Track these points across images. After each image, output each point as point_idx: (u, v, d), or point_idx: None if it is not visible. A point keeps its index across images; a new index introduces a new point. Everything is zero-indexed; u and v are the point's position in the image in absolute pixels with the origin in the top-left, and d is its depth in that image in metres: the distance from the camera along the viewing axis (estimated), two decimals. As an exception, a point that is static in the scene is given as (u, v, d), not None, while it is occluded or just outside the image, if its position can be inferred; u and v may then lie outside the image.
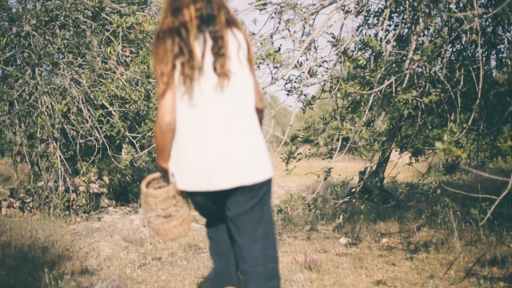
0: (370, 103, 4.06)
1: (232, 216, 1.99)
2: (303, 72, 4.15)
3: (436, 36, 4.04)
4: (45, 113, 6.27)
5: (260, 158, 1.94)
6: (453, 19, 4.23)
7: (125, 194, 8.24)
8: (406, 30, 4.62)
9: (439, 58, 4.27)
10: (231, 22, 1.96)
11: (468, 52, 4.58)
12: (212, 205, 2.05)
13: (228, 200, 1.97)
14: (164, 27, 1.91)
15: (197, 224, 6.52)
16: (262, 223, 1.98)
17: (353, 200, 7.75)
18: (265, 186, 1.97)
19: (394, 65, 3.95)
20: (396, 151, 5.53)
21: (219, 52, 1.89)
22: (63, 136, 6.60)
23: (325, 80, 4.68)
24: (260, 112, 2.07)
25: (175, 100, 1.91)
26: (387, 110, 4.10)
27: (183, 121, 1.91)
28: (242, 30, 2.00)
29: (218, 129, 1.90)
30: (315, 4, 4.07)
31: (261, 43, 3.36)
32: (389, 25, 4.87)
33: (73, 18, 6.47)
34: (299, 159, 4.88)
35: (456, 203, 4.60)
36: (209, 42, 1.90)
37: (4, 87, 6.56)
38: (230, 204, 1.97)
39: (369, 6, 4.33)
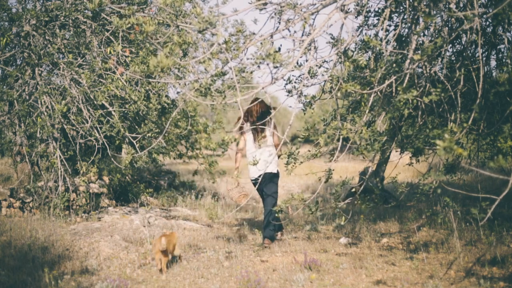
0: (370, 103, 4.05)
1: (265, 185, 5.44)
2: (303, 73, 4.15)
3: (436, 36, 4.04)
4: (45, 113, 6.27)
5: (273, 166, 5.40)
6: (453, 19, 4.23)
7: (125, 194, 8.24)
8: (406, 30, 4.62)
9: (439, 58, 4.27)
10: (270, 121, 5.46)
11: (468, 52, 4.58)
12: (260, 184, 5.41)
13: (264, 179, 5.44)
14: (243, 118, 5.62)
15: (197, 224, 6.52)
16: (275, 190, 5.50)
17: (354, 200, 7.75)
18: (275, 175, 5.47)
19: (394, 65, 3.95)
20: (396, 151, 5.54)
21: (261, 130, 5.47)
22: (63, 136, 6.59)
23: (325, 80, 4.68)
24: (277, 145, 5.40)
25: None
26: (387, 110, 4.10)
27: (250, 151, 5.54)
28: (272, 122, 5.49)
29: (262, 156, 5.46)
30: (315, 4, 4.07)
31: (261, 43, 3.36)
32: (389, 25, 4.86)
33: (73, 18, 6.46)
34: (301, 162, 4.87)
35: (456, 203, 4.60)
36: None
37: (4, 87, 6.55)
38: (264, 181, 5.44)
39: (369, 6, 4.32)
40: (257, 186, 5.06)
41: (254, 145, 5.44)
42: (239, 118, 5.60)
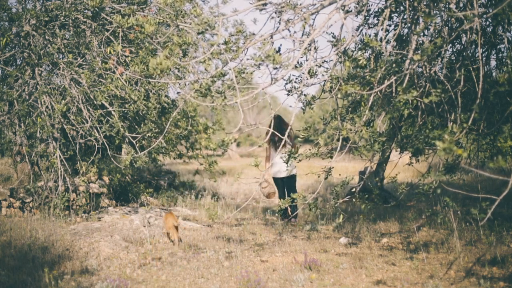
0: (370, 103, 4.05)
1: (287, 184, 7.14)
2: (303, 72, 4.15)
3: (436, 36, 4.04)
4: (45, 113, 6.27)
5: (291, 169, 7.01)
6: (453, 19, 4.22)
7: (125, 194, 8.24)
8: (406, 30, 4.62)
9: (439, 58, 4.26)
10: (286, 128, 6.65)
11: (468, 52, 4.58)
12: (281, 181, 7.18)
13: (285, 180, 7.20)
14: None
15: (197, 224, 6.52)
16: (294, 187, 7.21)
17: (353, 200, 7.74)
18: (293, 176, 7.15)
19: (394, 65, 3.94)
20: (396, 151, 5.53)
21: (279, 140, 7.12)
22: (63, 136, 6.59)
23: (325, 80, 4.68)
24: (294, 146, 6.72)
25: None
26: (387, 110, 4.09)
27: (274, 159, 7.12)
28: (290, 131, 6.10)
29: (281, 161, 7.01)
30: (315, 4, 4.06)
31: (261, 44, 3.36)
32: (389, 25, 4.86)
33: (73, 18, 6.46)
34: (300, 160, 4.89)
35: (456, 203, 4.60)
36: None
37: (4, 87, 6.55)
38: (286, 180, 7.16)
39: (369, 6, 4.32)
40: (278, 182, 7.08)
41: (276, 154, 7.16)
42: (266, 135, 6.93)
